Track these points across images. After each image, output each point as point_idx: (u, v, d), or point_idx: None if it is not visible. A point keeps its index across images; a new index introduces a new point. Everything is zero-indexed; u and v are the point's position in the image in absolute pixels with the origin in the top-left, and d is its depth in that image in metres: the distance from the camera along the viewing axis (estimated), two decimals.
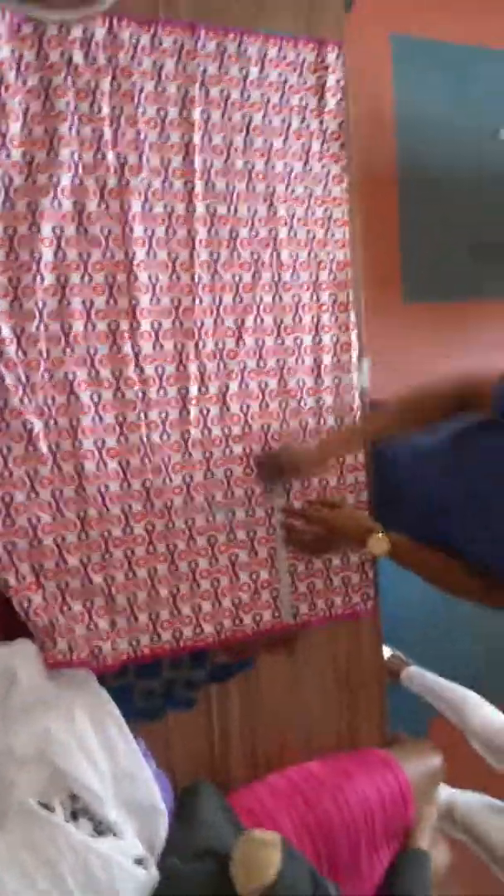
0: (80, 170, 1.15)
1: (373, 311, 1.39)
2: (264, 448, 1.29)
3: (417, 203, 2.25)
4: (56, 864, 0.96)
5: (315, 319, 1.34)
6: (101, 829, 1.03)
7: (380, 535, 1.24)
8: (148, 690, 1.23)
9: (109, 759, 1.06)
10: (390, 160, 2.22)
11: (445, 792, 1.69)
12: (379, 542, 1.25)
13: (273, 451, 1.30)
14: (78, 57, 1.14)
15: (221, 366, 1.27)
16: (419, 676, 1.99)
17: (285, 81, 1.30)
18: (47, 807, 1.01)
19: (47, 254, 1.13)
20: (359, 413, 1.38)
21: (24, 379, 1.13)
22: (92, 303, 1.17)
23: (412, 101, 2.26)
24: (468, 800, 1.73)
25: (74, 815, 1.02)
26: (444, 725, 1.87)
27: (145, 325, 1.21)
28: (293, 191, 1.31)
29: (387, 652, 1.98)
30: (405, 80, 2.25)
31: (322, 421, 1.35)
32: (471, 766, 1.69)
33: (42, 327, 1.14)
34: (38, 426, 1.14)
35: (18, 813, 1.01)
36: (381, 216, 2.18)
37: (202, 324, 1.25)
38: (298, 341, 1.33)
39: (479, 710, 1.80)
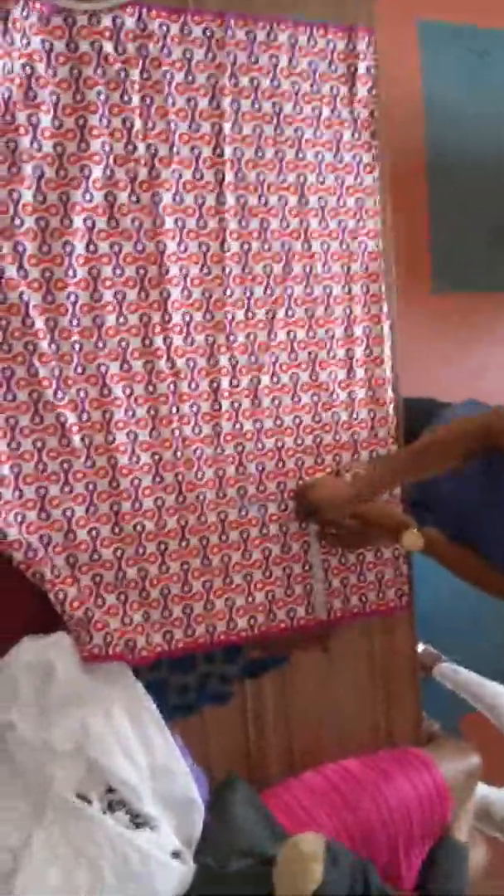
0: (111, 161, 1.15)
1: (401, 301, 1.37)
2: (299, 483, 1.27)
3: (448, 191, 2.21)
4: (95, 858, 0.96)
5: (347, 311, 1.32)
6: (139, 822, 1.03)
7: (414, 530, 1.23)
8: (182, 685, 1.23)
9: (147, 753, 1.06)
10: (419, 148, 2.19)
11: (481, 790, 1.66)
12: (413, 538, 1.23)
13: (302, 492, 1.26)
14: (108, 47, 1.13)
15: (253, 359, 1.26)
16: (452, 672, 1.96)
17: (315, 70, 1.28)
18: (84, 798, 1.01)
19: (79, 246, 1.13)
20: (392, 405, 1.36)
21: (57, 372, 1.13)
22: (124, 296, 1.17)
23: (441, 87, 2.22)
24: None
25: (111, 807, 1.02)
26: (476, 722, 1.84)
27: (176, 318, 1.20)
28: (324, 180, 1.29)
29: (419, 647, 1.96)
30: (433, 65, 2.21)
31: (354, 414, 1.33)
32: None
33: (75, 321, 1.14)
34: (71, 419, 1.14)
35: (57, 807, 1.01)
36: (410, 204, 2.14)
37: (233, 316, 1.24)
38: (330, 333, 1.31)
39: None
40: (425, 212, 2.21)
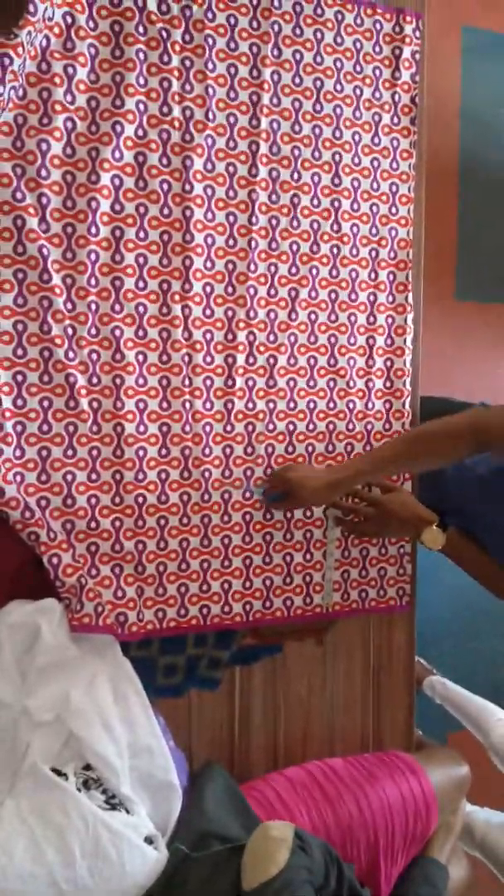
0: (145, 121, 1.12)
1: (423, 304, 1.34)
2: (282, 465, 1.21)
3: (479, 199, 2.19)
4: (64, 833, 0.92)
5: (371, 298, 1.28)
6: (113, 802, 0.99)
7: (434, 527, 1.19)
8: (170, 666, 1.19)
9: (128, 731, 1.02)
10: (453, 152, 2.16)
11: (466, 808, 1.62)
12: (434, 536, 1.19)
13: (282, 474, 1.19)
14: (152, 5, 1.11)
15: (272, 337, 1.23)
16: (441, 686, 1.92)
17: (360, 49, 1.25)
18: (59, 773, 0.97)
19: (104, 204, 1.10)
20: (409, 399, 1.32)
21: (70, 332, 1.10)
22: (145, 260, 1.14)
23: (479, 95, 2.20)
24: (489, 818, 1.65)
25: (87, 785, 0.99)
26: (463, 741, 1.79)
27: (197, 288, 1.17)
28: (360, 162, 1.26)
29: None
30: (473, 72, 2.20)
31: (370, 404, 1.30)
32: (494, 783, 1.61)
33: (93, 280, 1.11)
34: (81, 381, 1.11)
35: (29, 776, 0.97)
36: (439, 208, 2.12)
37: (255, 292, 1.21)
38: (352, 319, 1.28)
39: (501, 725, 1.73)
40: (454, 216, 2.18)
